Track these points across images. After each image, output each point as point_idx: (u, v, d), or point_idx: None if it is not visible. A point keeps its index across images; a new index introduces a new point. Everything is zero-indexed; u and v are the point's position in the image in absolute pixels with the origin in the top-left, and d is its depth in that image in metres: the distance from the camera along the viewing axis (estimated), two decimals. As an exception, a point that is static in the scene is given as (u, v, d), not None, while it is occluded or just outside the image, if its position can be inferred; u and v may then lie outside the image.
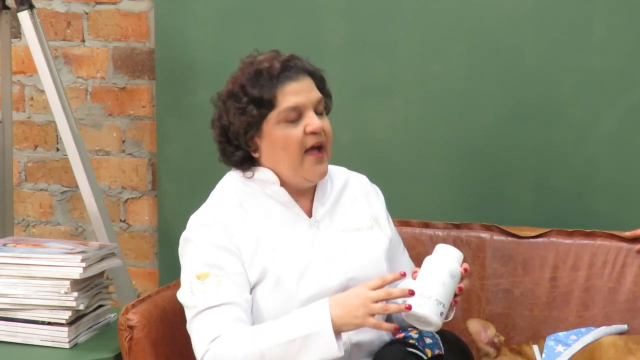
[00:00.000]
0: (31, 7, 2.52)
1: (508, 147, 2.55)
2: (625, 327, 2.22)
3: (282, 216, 1.93)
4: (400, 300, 1.75)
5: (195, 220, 1.92)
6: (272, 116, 1.88)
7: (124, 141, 2.92)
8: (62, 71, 2.92)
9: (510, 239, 2.36)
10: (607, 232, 2.32)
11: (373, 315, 1.74)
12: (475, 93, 2.55)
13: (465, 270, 1.80)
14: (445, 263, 1.78)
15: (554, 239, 2.34)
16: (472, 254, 2.36)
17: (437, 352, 1.87)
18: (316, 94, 1.91)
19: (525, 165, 2.54)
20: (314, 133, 1.88)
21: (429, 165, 2.61)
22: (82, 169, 2.53)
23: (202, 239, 1.87)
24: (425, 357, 1.86)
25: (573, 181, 2.51)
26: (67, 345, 2.15)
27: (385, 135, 2.63)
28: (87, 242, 2.53)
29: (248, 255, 1.87)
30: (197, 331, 1.83)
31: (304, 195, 1.97)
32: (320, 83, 1.96)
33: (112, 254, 2.31)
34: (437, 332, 1.92)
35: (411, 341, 1.90)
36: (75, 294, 2.14)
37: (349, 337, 1.89)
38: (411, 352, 1.87)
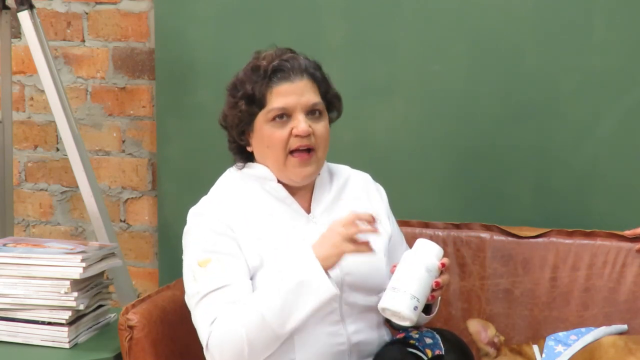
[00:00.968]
0: (31, 7, 2.52)
1: (508, 147, 2.55)
2: (625, 327, 2.22)
3: (280, 212, 1.94)
4: (383, 299, 1.78)
5: (193, 212, 1.94)
6: (261, 114, 1.90)
7: (124, 141, 2.92)
8: (62, 71, 2.92)
9: (510, 239, 2.36)
10: (607, 232, 2.33)
11: (350, 240, 1.75)
12: (475, 93, 2.55)
13: (443, 265, 1.82)
14: (421, 258, 1.80)
15: (554, 239, 2.34)
16: (472, 254, 2.36)
17: (437, 352, 1.87)
18: (310, 98, 1.90)
19: (525, 165, 2.54)
20: (298, 136, 1.89)
21: (429, 165, 2.61)
22: (82, 169, 2.53)
23: (200, 226, 1.89)
24: (425, 357, 1.86)
25: (573, 181, 2.51)
26: (67, 345, 2.15)
27: (385, 135, 2.63)
28: (87, 242, 2.53)
29: (245, 245, 1.88)
30: (200, 317, 1.82)
31: (303, 191, 1.98)
32: (323, 85, 1.95)
33: (112, 254, 2.31)
34: (437, 332, 1.93)
35: (411, 341, 1.90)
36: (75, 294, 2.14)
37: (349, 337, 1.90)
38: (411, 352, 1.87)
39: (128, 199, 2.95)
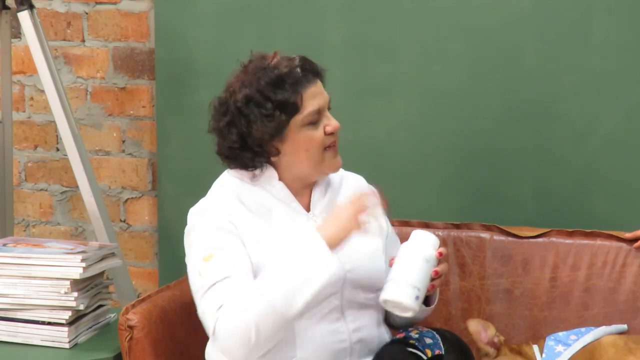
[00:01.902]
0: (31, 7, 2.52)
1: (508, 148, 2.55)
2: (625, 327, 2.22)
3: (280, 210, 1.94)
4: (384, 292, 1.80)
5: (194, 211, 1.94)
6: (297, 120, 1.90)
7: (124, 141, 2.92)
8: (62, 71, 2.92)
9: (510, 239, 2.36)
10: (607, 232, 2.32)
11: (356, 217, 1.79)
12: (475, 93, 2.55)
13: (441, 254, 1.85)
14: (419, 248, 1.83)
15: (554, 239, 2.34)
16: (472, 254, 2.36)
17: (437, 352, 1.87)
18: (327, 95, 1.95)
19: (525, 165, 2.54)
20: (332, 133, 1.93)
21: (429, 165, 2.61)
22: (82, 169, 2.53)
23: (201, 225, 1.89)
24: (425, 357, 1.87)
25: (573, 181, 2.51)
26: (67, 345, 2.15)
27: (385, 135, 2.63)
28: (87, 242, 2.53)
29: (247, 242, 1.88)
30: (206, 307, 1.81)
31: (302, 192, 1.99)
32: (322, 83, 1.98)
33: (112, 254, 2.31)
34: (437, 332, 1.93)
35: (411, 341, 1.90)
36: (75, 294, 2.14)
37: (350, 335, 1.90)
38: (411, 352, 1.87)
39: (128, 199, 2.95)
